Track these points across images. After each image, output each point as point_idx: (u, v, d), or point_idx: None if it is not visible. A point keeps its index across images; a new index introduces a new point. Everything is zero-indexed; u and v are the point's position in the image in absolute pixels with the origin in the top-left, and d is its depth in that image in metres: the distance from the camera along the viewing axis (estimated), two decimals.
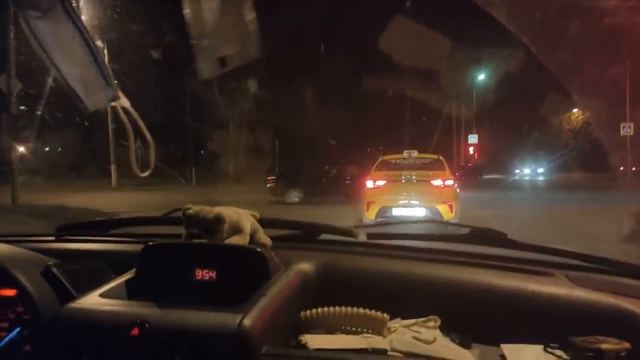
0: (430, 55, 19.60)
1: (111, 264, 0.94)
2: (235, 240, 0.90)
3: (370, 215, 6.44)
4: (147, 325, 0.66)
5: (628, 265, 0.97)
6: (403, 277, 0.92)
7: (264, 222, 1.01)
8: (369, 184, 6.75)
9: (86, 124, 19.35)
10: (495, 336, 0.81)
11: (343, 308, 0.81)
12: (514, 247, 1.03)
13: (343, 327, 0.81)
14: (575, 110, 30.73)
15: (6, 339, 0.80)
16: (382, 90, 23.89)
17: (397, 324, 0.83)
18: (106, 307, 0.72)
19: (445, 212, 6.19)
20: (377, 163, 7.50)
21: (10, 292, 0.83)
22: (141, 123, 0.91)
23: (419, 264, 0.97)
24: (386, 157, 7.86)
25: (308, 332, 0.79)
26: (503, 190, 16.79)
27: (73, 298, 0.77)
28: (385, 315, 0.80)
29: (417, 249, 1.06)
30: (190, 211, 0.90)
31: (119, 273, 0.88)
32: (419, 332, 0.79)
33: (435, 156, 7.70)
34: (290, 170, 13.72)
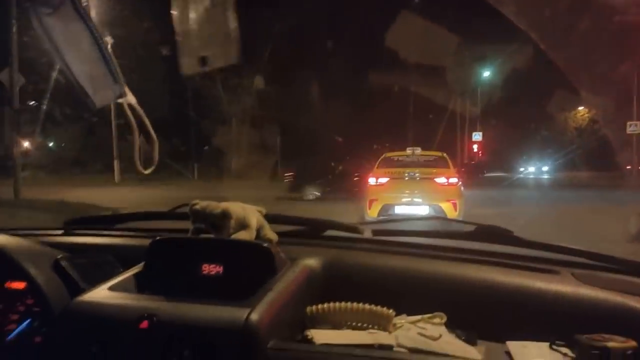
0: (435, 52, 19.53)
1: (119, 258, 0.95)
2: (241, 235, 0.91)
3: (372, 213, 6.38)
4: (155, 318, 0.67)
5: (635, 263, 0.97)
6: (408, 274, 0.92)
7: (270, 218, 1.01)
8: (372, 181, 6.70)
9: (92, 119, 19.45)
10: (501, 333, 0.81)
11: (349, 304, 0.82)
12: (520, 245, 1.03)
13: (349, 323, 0.81)
14: (581, 108, 30.56)
15: (16, 331, 0.82)
16: (387, 87, 23.83)
17: (402, 320, 0.83)
18: (115, 301, 0.74)
19: (449, 210, 6.14)
20: (379, 160, 7.43)
21: (20, 285, 0.85)
22: (146, 120, 0.92)
23: (424, 260, 0.97)
24: (389, 154, 7.76)
25: (314, 328, 0.80)
26: (507, 189, 16.74)
27: (82, 291, 0.78)
28: (391, 311, 0.81)
29: (423, 245, 1.06)
30: (197, 206, 0.91)
31: (127, 267, 0.89)
32: (424, 329, 0.79)
33: (439, 153, 7.62)
34: (307, 167, 13.61)
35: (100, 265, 0.91)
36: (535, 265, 0.95)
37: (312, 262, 0.91)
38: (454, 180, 6.56)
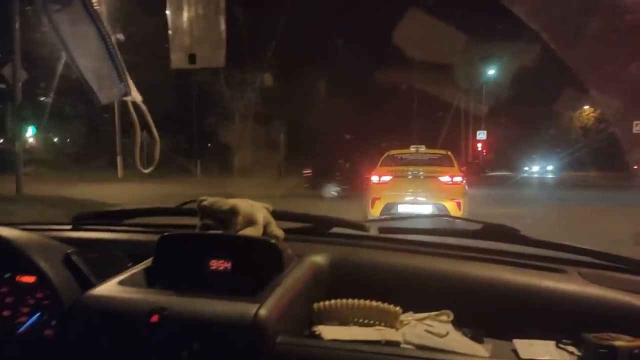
0: (442, 50, 19.43)
1: (128, 253, 0.96)
2: (249, 231, 0.92)
3: (375, 212, 6.29)
4: (166, 312, 0.68)
5: None
6: (415, 272, 0.92)
7: (276, 215, 1.02)
8: (374, 179, 6.61)
9: (102, 115, 19.53)
10: (507, 331, 0.81)
11: (356, 300, 0.82)
12: (527, 244, 1.03)
13: (356, 320, 0.82)
14: (586, 107, 30.35)
15: (27, 324, 0.82)
16: (393, 84, 23.78)
17: (409, 317, 0.83)
18: (126, 295, 0.74)
19: (453, 209, 6.06)
20: (382, 158, 7.35)
21: (30, 279, 0.86)
22: (149, 119, 0.92)
23: (431, 258, 0.97)
24: (392, 152, 7.67)
25: (321, 324, 0.80)
26: (511, 188, 16.67)
27: (92, 285, 0.79)
28: (398, 308, 0.81)
29: (429, 243, 1.07)
30: (205, 203, 0.92)
31: (136, 262, 0.90)
32: (431, 326, 0.79)
33: (443, 152, 7.53)
34: (325, 165, 13.52)
35: (109, 260, 0.92)
36: (542, 264, 0.95)
37: (319, 258, 0.92)
38: (458, 179, 6.47)
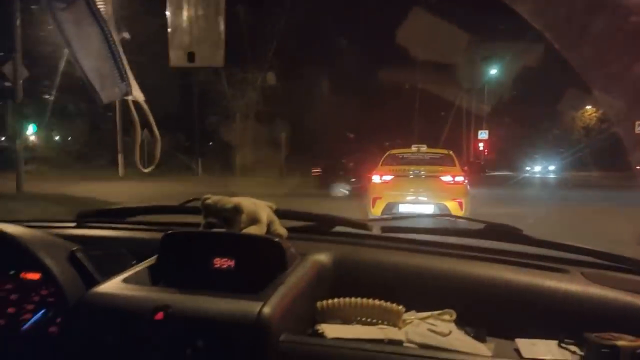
0: (444, 49, 19.37)
1: (131, 251, 0.96)
2: (252, 230, 0.92)
3: (376, 212, 6.25)
4: (170, 310, 0.68)
5: None
6: (418, 271, 0.93)
7: (279, 214, 1.02)
8: (375, 178, 6.56)
9: (98, 112, 19.53)
10: (510, 331, 0.81)
11: (359, 299, 0.82)
12: (530, 244, 1.03)
13: (359, 318, 0.82)
14: (588, 107, 30.27)
15: (31, 321, 0.83)
16: (396, 83, 23.73)
17: (412, 316, 0.84)
18: (130, 292, 0.75)
19: (455, 209, 6.02)
20: (384, 157, 7.31)
21: (35, 276, 0.87)
22: (151, 118, 0.92)
23: (434, 257, 0.98)
24: (393, 151, 7.66)
25: (324, 322, 0.81)
26: (513, 188, 16.62)
27: (97, 283, 0.80)
28: (400, 307, 0.81)
29: (432, 243, 1.07)
30: (209, 201, 0.92)
31: (139, 260, 0.91)
32: (434, 325, 0.80)
33: (445, 151, 7.50)
34: (335, 164, 13.46)
35: (114, 257, 0.92)
36: (544, 264, 0.95)
37: (322, 257, 0.92)
38: (460, 178, 6.42)
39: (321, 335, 0.75)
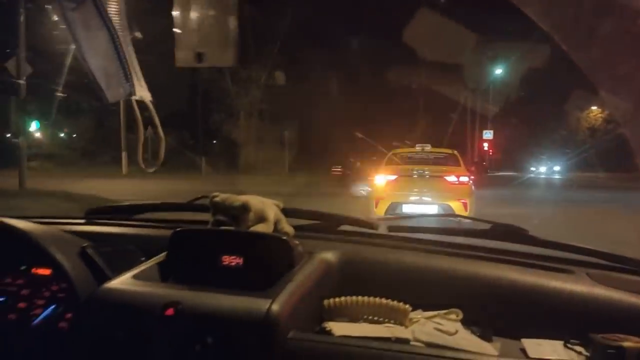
0: (449, 50, 19.31)
1: (140, 248, 0.97)
2: (260, 228, 0.93)
3: (379, 212, 6.18)
4: (181, 306, 0.69)
5: None
6: (424, 270, 0.93)
7: (286, 212, 1.03)
8: (379, 178, 6.51)
9: (103, 109, 19.61)
10: (515, 330, 0.82)
11: (366, 298, 0.83)
12: (535, 244, 1.04)
13: (366, 317, 0.83)
14: (594, 107, 30.06)
15: (42, 316, 0.84)
16: (401, 83, 23.68)
17: (418, 315, 0.84)
18: (141, 288, 0.76)
19: (459, 210, 5.96)
20: (387, 157, 7.24)
21: (45, 271, 0.88)
22: (156, 119, 0.93)
23: (440, 257, 0.98)
24: (397, 151, 7.57)
25: (331, 320, 0.81)
26: (518, 188, 16.53)
27: (108, 279, 0.80)
28: (407, 306, 0.82)
29: (438, 242, 1.07)
30: (217, 199, 0.93)
31: (148, 257, 0.91)
32: (440, 324, 0.80)
33: (449, 151, 7.41)
34: (356, 163, 13.41)
35: (123, 254, 0.93)
36: (550, 265, 0.96)
37: (329, 255, 0.93)
38: (464, 178, 6.35)
39: (329, 333, 0.75)
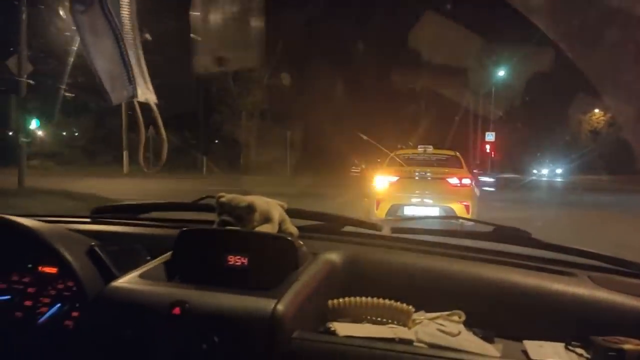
0: (453, 53, 19.35)
1: (145, 247, 0.98)
2: (265, 228, 0.93)
3: (379, 214, 6.10)
4: (187, 305, 0.70)
5: None
6: (427, 272, 0.94)
7: (290, 212, 1.03)
8: (380, 179, 6.42)
9: (105, 108, 19.63)
10: (517, 332, 0.82)
11: (370, 298, 0.84)
12: (538, 247, 1.04)
13: (369, 317, 0.83)
14: (596, 110, 30.03)
15: (47, 314, 0.85)
16: (405, 85, 23.70)
17: (421, 316, 0.85)
18: (148, 288, 0.76)
19: (461, 212, 5.88)
20: (388, 158, 7.16)
21: (52, 270, 0.89)
22: (160, 122, 0.93)
23: (443, 259, 0.99)
24: (399, 152, 7.48)
25: (335, 320, 0.82)
26: (520, 191, 16.48)
27: (115, 278, 0.81)
28: (410, 307, 0.82)
29: (441, 244, 1.08)
30: (223, 199, 0.93)
31: (153, 256, 0.92)
32: (443, 325, 0.81)
33: (451, 152, 7.30)
34: (376, 164, 13.33)
35: (130, 253, 0.94)
36: (552, 267, 0.96)
37: (333, 256, 0.93)
38: (467, 181, 6.24)
39: (333, 333, 0.76)
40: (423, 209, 6.10)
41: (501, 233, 1.08)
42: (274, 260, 0.84)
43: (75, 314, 0.84)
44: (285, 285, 0.76)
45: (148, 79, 0.89)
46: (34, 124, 9.97)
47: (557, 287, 0.87)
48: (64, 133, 23.29)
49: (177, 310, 0.69)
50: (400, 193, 6.20)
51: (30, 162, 10.32)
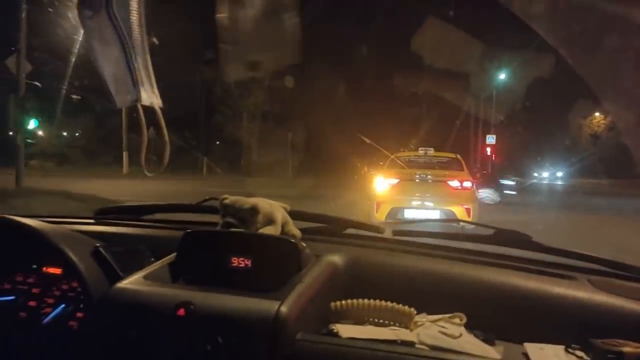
0: (455, 58, 19.45)
1: (149, 248, 0.98)
2: (268, 230, 0.94)
3: (379, 217, 6.02)
4: (192, 307, 0.71)
5: None
6: (428, 274, 0.94)
7: (292, 215, 1.04)
8: (380, 182, 6.34)
9: (106, 109, 19.62)
10: (518, 335, 0.83)
11: (372, 301, 0.84)
12: (538, 250, 1.05)
13: (371, 319, 0.84)
14: (597, 114, 30.08)
15: (52, 315, 0.85)
16: (407, 88, 23.74)
17: (423, 318, 0.85)
18: (153, 289, 0.77)
19: (462, 215, 5.80)
20: (388, 160, 7.10)
21: (56, 270, 0.89)
22: (163, 125, 0.94)
23: (444, 262, 0.99)
24: (400, 154, 7.42)
25: (338, 322, 0.82)
26: (521, 194, 16.45)
27: (119, 279, 0.82)
28: (412, 309, 0.83)
29: (442, 247, 1.09)
30: (227, 201, 0.94)
31: (157, 257, 0.93)
32: (445, 328, 0.81)
33: (453, 155, 7.26)
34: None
35: (134, 254, 0.95)
36: (553, 271, 0.97)
37: (335, 258, 0.94)
38: (468, 184, 6.16)
39: (336, 335, 0.77)
40: (423, 212, 6.02)
41: (502, 236, 1.09)
42: (277, 262, 0.85)
43: (79, 314, 0.85)
44: (289, 287, 0.76)
45: (154, 83, 0.90)
46: (32, 124, 9.93)
47: (558, 290, 0.88)
48: (65, 133, 23.30)
49: (182, 312, 0.70)
50: (400, 196, 6.12)
51: (30, 163, 10.21)
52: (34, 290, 0.89)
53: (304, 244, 0.90)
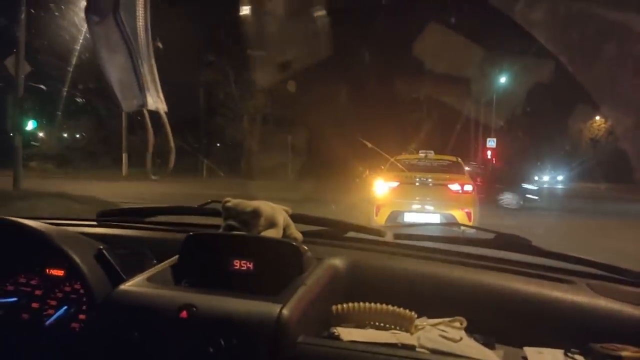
0: (456, 63, 19.55)
1: (152, 250, 0.99)
2: (270, 233, 0.95)
3: (379, 220, 5.89)
4: (195, 309, 0.71)
5: None
6: (429, 278, 0.95)
7: (295, 218, 1.05)
8: (380, 185, 6.31)
9: (104, 110, 19.64)
10: (518, 339, 0.84)
11: (373, 304, 0.85)
12: (538, 254, 1.06)
13: (372, 323, 0.84)
14: (597, 118, 30.16)
15: (54, 316, 0.86)
16: (409, 92, 23.82)
17: (423, 322, 0.86)
18: (156, 291, 0.77)
19: (463, 219, 5.78)
20: (388, 163, 7.04)
21: (59, 272, 0.90)
22: (169, 130, 0.95)
23: (444, 265, 1.00)
24: (400, 157, 7.36)
25: (339, 325, 0.83)
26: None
27: (122, 281, 0.82)
28: (412, 313, 0.84)
29: (443, 251, 1.09)
30: (229, 204, 0.95)
31: (159, 259, 0.93)
32: (445, 331, 0.82)
33: (453, 158, 7.22)
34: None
35: (137, 256, 0.95)
36: (552, 275, 0.98)
37: (337, 262, 0.95)
38: (468, 187, 6.13)
39: (337, 338, 0.77)
40: (424, 215, 5.99)
41: (502, 240, 1.09)
42: (279, 265, 0.85)
43: (82, 316, 0.85)
44: (290, 290, 0.77)
45: (159, 88, 0.91)
46: (31, 125, 9.90)
47: (557, 294, 0.88)
48: (65, 135, 23.30)
49: (184, 314, 0.70)
50: (400, 199, 6.07)
51: (29, 164, 10.12)
52: (37, 292, 0.90)
53: (306, 247, 0.91)
